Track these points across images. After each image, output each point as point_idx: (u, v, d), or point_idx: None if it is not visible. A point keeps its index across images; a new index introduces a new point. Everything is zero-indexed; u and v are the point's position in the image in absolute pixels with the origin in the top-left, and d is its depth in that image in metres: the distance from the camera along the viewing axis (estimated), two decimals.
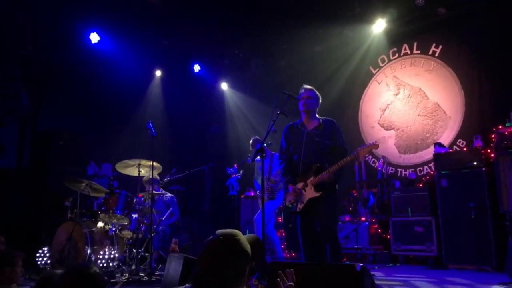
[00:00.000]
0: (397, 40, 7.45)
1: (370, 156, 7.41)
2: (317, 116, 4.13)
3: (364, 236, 6.40)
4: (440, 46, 6.90)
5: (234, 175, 7.11)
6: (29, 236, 6.00)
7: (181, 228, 6.79)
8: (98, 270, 1.72)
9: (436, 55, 6.94)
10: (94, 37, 7.44)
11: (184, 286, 1.76)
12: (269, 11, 7.14)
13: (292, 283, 2.01)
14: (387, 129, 7.46)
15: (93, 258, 4.96)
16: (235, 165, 7.13)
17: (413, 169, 6.92)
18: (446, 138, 6.61)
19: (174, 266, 3.99)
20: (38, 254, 5.17)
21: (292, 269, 2.08)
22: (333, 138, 3.98)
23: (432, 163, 6.28)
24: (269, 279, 2.90)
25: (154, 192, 5.33)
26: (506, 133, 5.05)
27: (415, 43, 7.23)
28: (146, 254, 5.32)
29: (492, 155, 5.23)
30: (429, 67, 7.03)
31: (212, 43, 8.38)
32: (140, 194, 5.77)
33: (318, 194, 3.81)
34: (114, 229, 5.35)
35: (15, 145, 7.06)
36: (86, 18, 7.10)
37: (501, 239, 4.97)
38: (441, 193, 5.62)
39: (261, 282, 3.42)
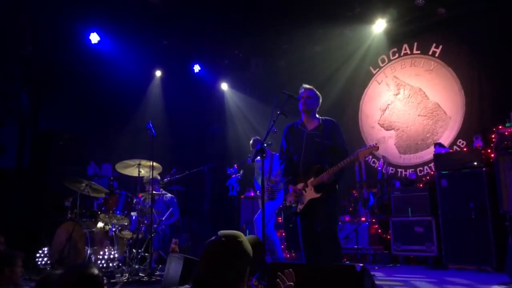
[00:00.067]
0: (397, 40, 7.45)
1: (370, 156, 7.40)
2: (317, 116, 4.12)
3: (364, 236, 6.40)
4: (440, 46, 6.90)
5: (234, 175, 7.10)
6: (29, 236, 6.00)
7: (181, 228, 6.79)
8: (97, 271, 1.72)
9: (436, 55, 6.94)
10: (94, 37, 7.45)
11: (184, 287, 1.76)
12: (269, 11, 7.14)
13: (291, 283, 2.01)
14: (387, 129, 7.45)
15: (93, 259, 4.96)
16: (235, 165, 7.13)
17: (413, 169, 6.92)
18: (446, 138, 6.61)
19: (174, 267, 3.99)
20: (38, 254, 5.17)
21: (291, 269, 2.08)
22: (333, 138, 3.98)
23: (432, 163, 6.28)
24: (269, 280, 2.89)
25: (154, 192, 5.33)
26: (506, 133, 5.05)
27: (415, 43, 7.22)
28: (146, 254, 5.31)
29: (492, 155, 5.23)
30: (429, 67, 7.03)
31: (212, 43, 8.38)
32: (140, 194, 5.77)
33: (318, 195, 3.81)
34: (114, 229, 5.35)
35: (15, 145, 7.06)
36: (86, 18, 7.10)
37: (501, 239, 4.97)
38: (441, 193, 5.61)
39: (261, 283, 3.42)
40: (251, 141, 6.22)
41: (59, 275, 1.75)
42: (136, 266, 5.03)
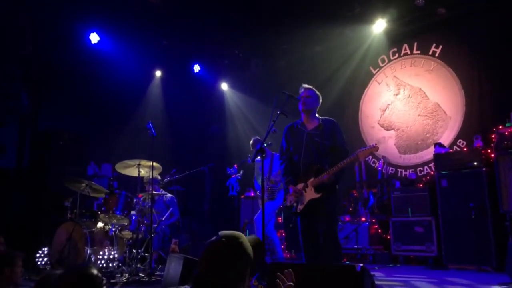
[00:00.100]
0: (397, 40, 7.45)
1: (370, 156, 7.40)
2: (317, 116, 4.12)
3: (364, 236, 6.40)
4: (440, 46, 6.90)
5: (234, 175, 7.11)
6: (29, 236, 6.00)
7: (181, 228, 6.79)
8: (97, 271, 1.72)
9: (436, 55, 6.94)
10: (94, 37, 7.45)
11: (184, 287, 1.76)
12: (269, 11, 7.14)
13: (291, 283, 2.01)
14: (387, 129, 7.45)
15: (93, 259, 4.96)
16: (235, 165, 7.13)
17: (413, 169, 6.92)
18: (446, 138, 6.61)
19: (174, 267, 3.99)
20: (38, 254, 5.18)
21: (290, 269, 2.07)
22: (333, 138, 3.98)
23: (432, 163, 6.28)
24: (269, 280, 2.89)
25: (154, 192, 5.32)
26: (506, 133, 5.05)
27: (415, 43, 7.22)
28: (146, 254, 5.32)
29: (492, 155, 5.23)
30: (429, 67, 7.03)
31: (212, 43, 8.38)
32: (140, 195, 5.77)
33: (318, 195, 3.81)
34: (114, 229, 5.35)
35: (15, 145, 7.06)
36: (86, 18, 7.10)
37: (501, 239, 4.97)
38: (441, 193, 5.61)
39: (261, 283, 3.42)
40: (251, 141, 6.22)
41: (59, 275, 1.75)
42: (136, 266, 5.02)
